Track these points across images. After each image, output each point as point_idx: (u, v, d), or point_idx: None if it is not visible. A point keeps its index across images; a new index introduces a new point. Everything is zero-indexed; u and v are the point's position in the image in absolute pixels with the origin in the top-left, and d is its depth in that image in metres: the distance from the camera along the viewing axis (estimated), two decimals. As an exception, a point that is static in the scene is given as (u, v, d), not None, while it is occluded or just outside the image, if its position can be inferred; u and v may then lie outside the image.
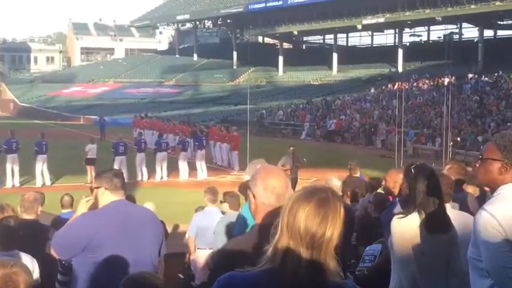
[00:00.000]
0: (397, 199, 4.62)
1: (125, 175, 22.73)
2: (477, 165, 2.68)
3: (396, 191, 4.70)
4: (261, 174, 2.51)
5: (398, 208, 4.17)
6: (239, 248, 2.40)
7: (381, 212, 5.15)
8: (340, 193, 7.10)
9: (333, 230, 1.93)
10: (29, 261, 4.03)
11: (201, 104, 56.51)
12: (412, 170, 3.43)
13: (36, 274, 4.01)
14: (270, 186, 2.46)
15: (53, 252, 3.58)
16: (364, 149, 30.02)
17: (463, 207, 4.20)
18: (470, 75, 40.85)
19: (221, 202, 7.30)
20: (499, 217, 2.46)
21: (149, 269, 3.36)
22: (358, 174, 10.66)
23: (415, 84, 42.23)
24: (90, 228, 3.40)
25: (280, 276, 1.91)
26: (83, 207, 3.66)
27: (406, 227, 3.34)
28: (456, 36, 52.33)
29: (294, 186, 14.82)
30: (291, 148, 15.95)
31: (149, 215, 3.82)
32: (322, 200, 1.96)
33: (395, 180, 4.72)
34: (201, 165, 20.83)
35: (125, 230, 3.49)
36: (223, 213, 7.26)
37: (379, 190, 7.51)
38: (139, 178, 19.67)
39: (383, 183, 4.93)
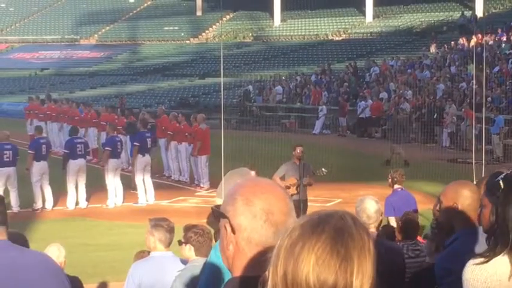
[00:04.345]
0: (460, 231, 4.63)
1: (14, 199, 22.23)
2: None
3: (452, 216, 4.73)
4: (245, 192, 2.50)
5: (463, 244, 4.17)
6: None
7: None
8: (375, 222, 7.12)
9: (362, 278, 1.94)
10: None
11: (142, 76, 56.31)
12: (501, 183, 3.44)
13: None
14: (262, 210, 2.46)
15: None
16: (422, 149, 30.12)
17: None
18: None
19: (180, 243, 7.30)
20: None
21: None
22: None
23: (504, 37, 42.43)
24: None
25: None
26: None
27: (489, 279, 3.36)
28: None
29: (301, 214, 14.76)
30: (297, 150, 15.92)
31: (49, 267, 3.81)
32: (340, 229, 1.96)
33: (456, 201, 4.74)
34: (144, 181, 20.77)
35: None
36: (183, 262, 7.25)
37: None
38: (38, 204, 19.58)
39: (437, 206, 4.95)
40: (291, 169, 15.43)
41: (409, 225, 8.72)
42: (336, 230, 1.96)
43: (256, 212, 2.45)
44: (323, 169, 15.95)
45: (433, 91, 35.97)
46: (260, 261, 2.44)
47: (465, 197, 4.65)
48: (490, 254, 3.40)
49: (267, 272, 2.03)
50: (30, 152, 19.88)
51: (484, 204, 3.59)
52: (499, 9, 51.69)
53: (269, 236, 2.45)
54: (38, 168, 19.58)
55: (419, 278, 6.35)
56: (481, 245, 3.90)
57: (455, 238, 4.70)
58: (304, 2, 61.04)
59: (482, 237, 4.01)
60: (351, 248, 1.94)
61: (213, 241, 7.43)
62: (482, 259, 3.41)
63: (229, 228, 2.48)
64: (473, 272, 3.42)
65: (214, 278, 3.10)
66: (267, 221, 2.44)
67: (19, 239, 5.11)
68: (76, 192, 20.02)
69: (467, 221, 4.64)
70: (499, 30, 43.38)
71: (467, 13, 51.06)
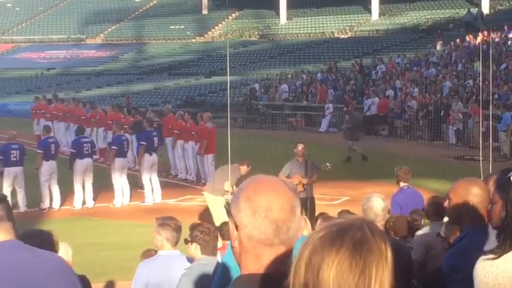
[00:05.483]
0: (468, 228, 4.62)
1: (21, 198, 22.21)
2: None
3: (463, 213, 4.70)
4: (247, 189, 2.53)
5: (470, 242, 4.14)
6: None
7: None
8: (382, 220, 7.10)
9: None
10: None
11: (149, 75, 56.35)
12: (511, 179, 3.44)
13: None
14: (262, 208, 2.48)
15: None
16: (429, 147, 30.11)
17: None
18: None
19: (186, 242, 7.31)
20: None
21: None
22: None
23: (511, 34, 42.37)
24: None
25: None
26: None
27: (500, 275, 3.36)
28: None
29: (309, 213, 14.75)
30: (299, 147, 15.77)
31: (60, 267, 3.80)
32: (358, 242, 2.02)
33: (466, 198, 4.71)
34: (150, 180, 20.78)
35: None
36: (190, 261, 7.26)
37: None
38: (46, 204, 19.62)
39: (445, 203, 4.91)
40: (294, 167, 15.39)
41: (398, 225, 8.77)
42: (354, 243, 2.01)
43: (256, 209, 2.48)
44: (327, 163, 15.95)
45: (440, 88, 35.97)
46: (264, 258, 2.47)
47: (475, 195, 4.64)
48: (500, 251, 3.40)
49: (289, 279, 2.08)
50: (40, 151, 19.91)
51: (495, 201, 3.59)
52: (505, 6, 51.58)
53: (269, 234, 2.47)
54: (47, 167, 19.61)
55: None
56: (491, 242, 3.89)
57: (463, 236, 4.69)
58: (310, 0, 60.97)
59: (491, 234, 4.01)
60: (369, 260, 2.00)
61: (219, 240, 7.45)
62: (492, 255, 3.41)
63: (232, 225, 2.53)
64: (485, 268, 3.42)
65: (226, 278, 3.11)
66: (266, 218, 2.47)
67: (42, 238, 5.04)
68: (83, 191, 20.05)
69: (476, 219, 4.62)
70: (506, 27, 43.32)
71: (474, 10, 51.01)
